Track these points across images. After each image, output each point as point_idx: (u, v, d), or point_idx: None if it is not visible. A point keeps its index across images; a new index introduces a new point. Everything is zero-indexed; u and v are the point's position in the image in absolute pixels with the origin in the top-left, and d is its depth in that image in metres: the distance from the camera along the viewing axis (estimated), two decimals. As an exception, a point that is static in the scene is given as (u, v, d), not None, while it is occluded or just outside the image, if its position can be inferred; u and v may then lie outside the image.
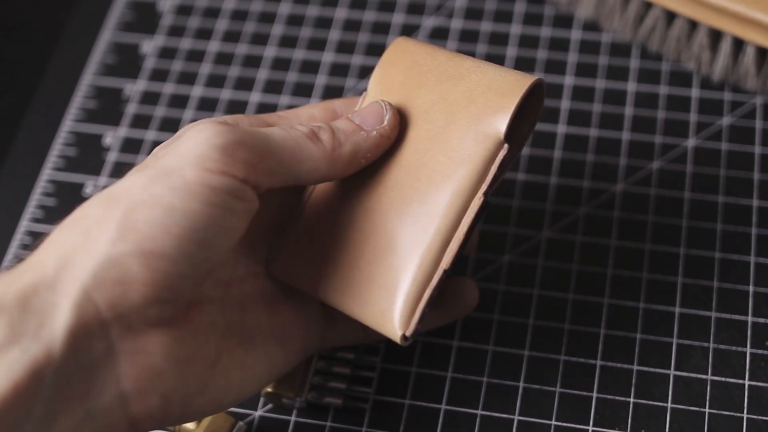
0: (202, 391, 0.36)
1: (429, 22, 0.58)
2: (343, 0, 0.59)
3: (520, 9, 0.57)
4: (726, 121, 0.52)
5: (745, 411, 0.43)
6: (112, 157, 0.55)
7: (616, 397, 0.44)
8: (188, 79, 0.57)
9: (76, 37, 0.61)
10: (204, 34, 0.59)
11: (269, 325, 0.39)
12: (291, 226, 0.41)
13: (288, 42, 0.58)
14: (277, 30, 0.59)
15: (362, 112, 0.39)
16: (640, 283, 0.47)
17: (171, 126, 0.55)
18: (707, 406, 0.43)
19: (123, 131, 0.56)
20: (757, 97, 0.52)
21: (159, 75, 0.58)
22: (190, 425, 0.43)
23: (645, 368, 0.44)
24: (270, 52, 0.58)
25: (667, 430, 0.43)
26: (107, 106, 0.57)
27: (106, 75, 0.58)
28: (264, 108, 0.55)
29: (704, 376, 0.44)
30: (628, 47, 0.55)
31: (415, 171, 0.39)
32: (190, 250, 0.33)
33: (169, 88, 0.57)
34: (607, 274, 0.47)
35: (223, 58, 0.58)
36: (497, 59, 0.55)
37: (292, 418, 0.45)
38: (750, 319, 0.45)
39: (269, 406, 0.45)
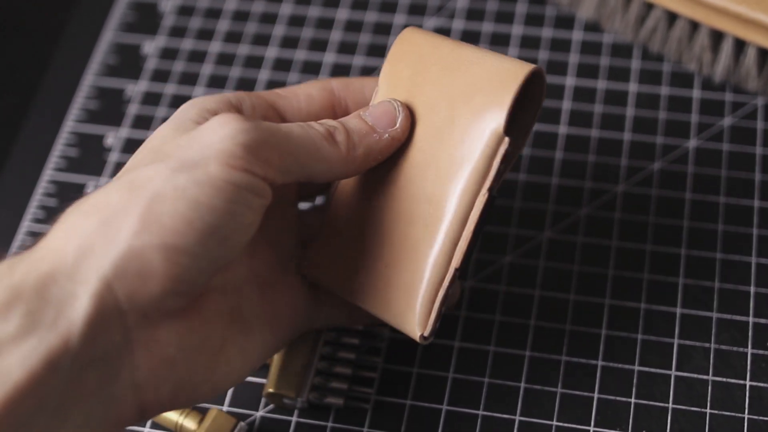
0: (207, 378, 0.36)
1: (430, 23, 0.58)
2: (344, 1, 0.59)
3: (522, 10, 0.57)
4: (727, 121, 0.52)
5: (747, 411, 0.43)
6: (113, 157, 0.55)
7: (618, 398, 0.44)
8: (190, 79, 0.57)
9: (77, 38, 0.61)
10: (205, 34, 0.59)
11: (263, 308, 0.39)
12: (321, 226, 0.42)
13: (289, 43, 0.58)
14: (279, 31, 0.59)
15: (375, 112, 0.39)
16: (642, 283, 0.47)
17: (172, 126, 0.55)
18: (708, 407, 0.43)
19: (124, 132, 0.56)
20: (759, 97, 0.52)
21: (160, 76, 0.58)
22: (191, 425, 0.43)
23: (646, 369, 0.44)
24: (271, 52, 0.58)
25: (668, 430, 0.43)
26: (109, 107, 0.57)
27: (108, 75, 0.58)
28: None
29: (705, 377, 0.44)
30: (630, 48, 0.55)
31: (423, 170, 0.39)
32: (211, 246, 0.33)
33: (170, 89, 0.57)
34: (608, 274, 0.47)
35: (225, 59, 0.58)
36: (498, 60, 0.55)
37: (294, 419, 0.45)
38: (751, 319, 0.45)
39: (270, 406, 0.45)
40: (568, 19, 0.57)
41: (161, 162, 0.34)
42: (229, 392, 0.46)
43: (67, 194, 0.53)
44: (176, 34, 0.60)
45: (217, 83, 0.57)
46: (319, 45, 0.58)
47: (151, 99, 0.57)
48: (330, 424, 0.44)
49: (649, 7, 0.53)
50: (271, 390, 0.43)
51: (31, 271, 0.31)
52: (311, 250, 0.42)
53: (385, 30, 0.58)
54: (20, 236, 0.52)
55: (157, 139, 0.37)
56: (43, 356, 0.30)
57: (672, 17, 0.52)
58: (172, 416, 0.44)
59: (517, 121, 0.39)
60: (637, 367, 0.44)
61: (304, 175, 0.37)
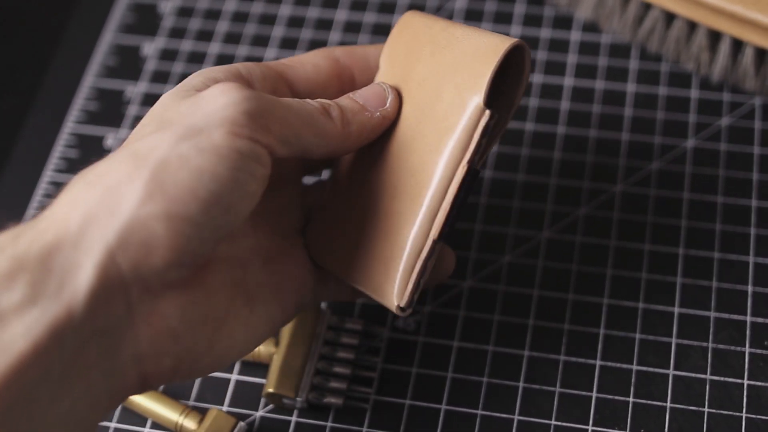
0: (209, 351, 0.36)
1: (429, 23, 0.58)
2: (343, 2, 0.60)
3: (520, 10, 0.58)
4: (725, 121, 0.52)
5: (744, 410, 0.43)
6: (113, 158, 0.55)
7: (616, 397, 0.44)
8: (189, 80, 0.57)
9: (77, 39, 0.61)
10: (205, 35, 0.59)
11: (267, 282, 0.39)
12: (319, 205, 0.42)
13: (289, 44, 0.58)
14: (278, 32, 0.59)
15: (365, 94, 0.40)
16: (640, 283, 0.47)
17: (172, 127, 0.55)
18: (706, 406, 0.43)
19: (124, 133, 0.56)
20: (756, 97, 0.52)
21: (160, 77, 0.58)
22: (191, 425, 0.43)
23: (644, 368, 0.44)
24: (271, 53, 0.58)
25: (666, 429, 0.43)
26: (108, 108, 0.57)
27: (108, 77, 0.58)
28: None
29: (703, 376, 0.44)
30: (628, 48, 0.55)
31: (410, 146, 0.40)
32: (215, 215, 0.33)
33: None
34: (606, 274, 0.47)
35: (225, 60, 0.58)
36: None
37: (293, 419, 0.45)
38: (749, 318, 0.45)
39: (270, 406, 0.45)
40: (566, 20, 0.57)
41: (165, 130, 0.34)
42: (229, 392, 0.46)
43: (68, 195, 0.54)
44: (176, 35, 0.60)
45: (216, 84, 0.57)
46: (318, 46, 0.58)
47: (150, 100, 0.57)
48: (329, 424, 0.44)
49: (647, 7, 0.53)
50: (270, 390, 0.43)
51: (35, 240, 0.31)
52: (309, 228, 0.42)
53: (383, 31, 0.58)
54: (21, 237, 0.52)
55: (160, 105, 0.37)
56: (46, 326, 0.30)
57: (670, 17, 0.52)
58: (172, 416, 0.44)
59: (502, 96, 0.40)
60: (635, 367, 0.44)
61: (301, 147, 0.37)
